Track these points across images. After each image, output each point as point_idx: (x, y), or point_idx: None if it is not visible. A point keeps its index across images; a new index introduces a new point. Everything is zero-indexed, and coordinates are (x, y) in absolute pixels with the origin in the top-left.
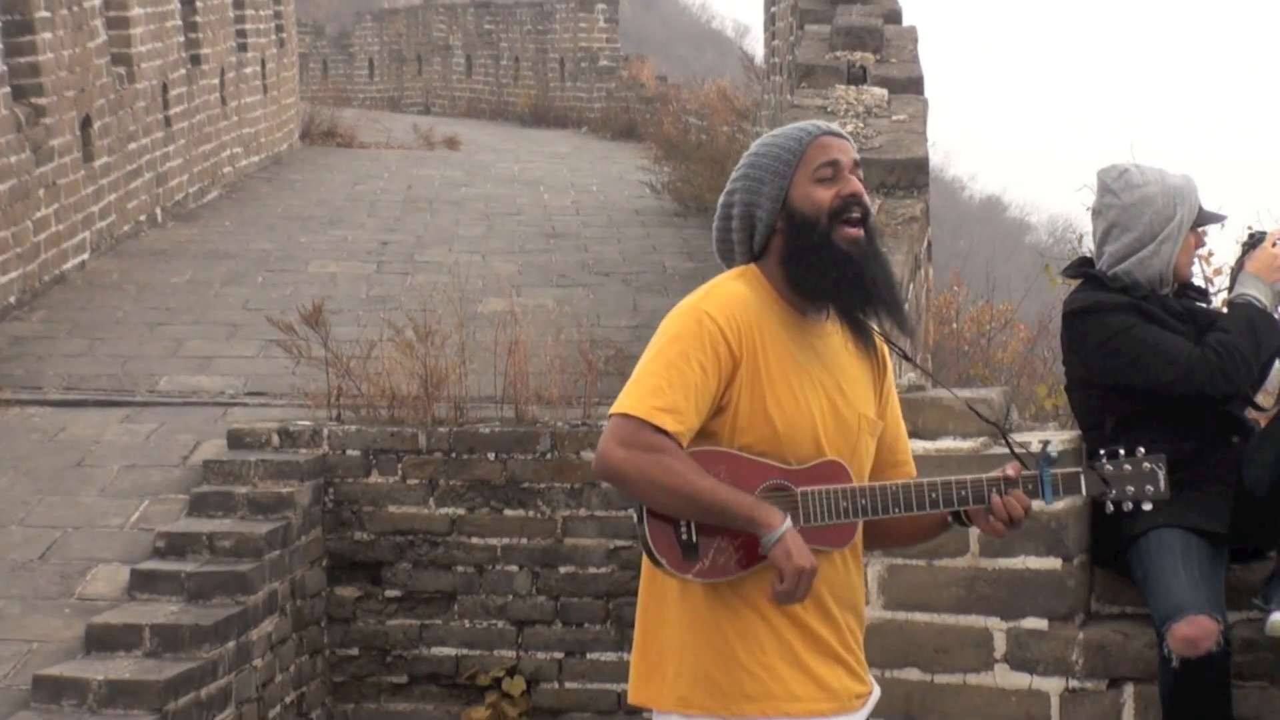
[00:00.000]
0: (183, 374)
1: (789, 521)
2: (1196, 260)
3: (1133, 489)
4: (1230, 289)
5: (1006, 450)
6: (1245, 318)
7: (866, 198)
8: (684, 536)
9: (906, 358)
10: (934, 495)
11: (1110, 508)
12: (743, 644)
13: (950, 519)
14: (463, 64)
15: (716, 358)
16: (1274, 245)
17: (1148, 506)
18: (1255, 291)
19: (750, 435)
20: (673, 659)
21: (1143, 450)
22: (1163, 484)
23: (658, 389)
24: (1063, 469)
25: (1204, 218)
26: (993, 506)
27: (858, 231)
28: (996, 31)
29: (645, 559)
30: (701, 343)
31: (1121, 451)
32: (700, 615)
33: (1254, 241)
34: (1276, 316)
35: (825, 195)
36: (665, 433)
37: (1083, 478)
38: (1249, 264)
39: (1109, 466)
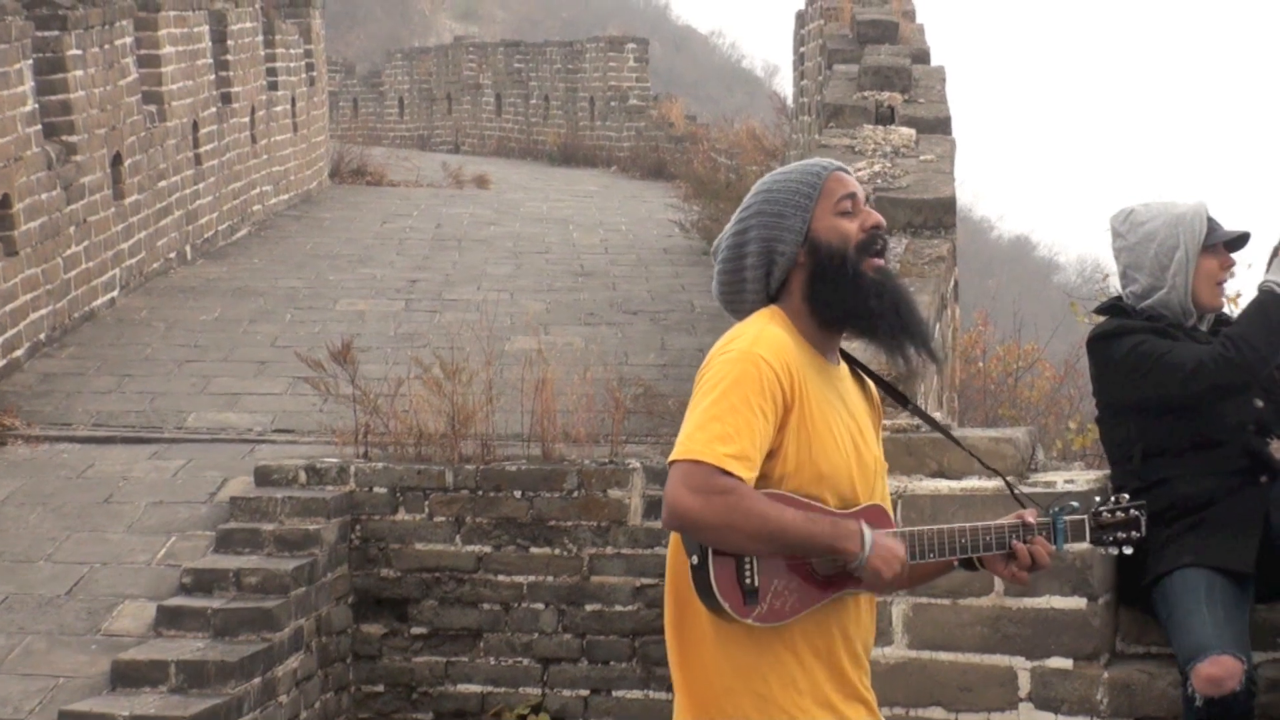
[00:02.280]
0: (211, 411)
1: (866, 530)
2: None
3: (1123, 534)
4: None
5: (1031, 490)
6: (1260, 306)
7: (885, 229)
8: (747, 580)
9: (908, 404)
10: (963, 540)
11: (1104, 551)
12: (781, 688)
13: (957, 562)
14: (492, 103)
15: (774, 403)
16: None
17: (1128, 550)
18: None
19: (798, 479)
20: (710, 703)
21: (1127, 497)
22: (1142, 527)
23: (725, 435)
24: (1071, 517)
25: (1216, 238)
26: (1017, 552)
27: (882, 262)
28: (1027, 71)
29: (674, 603)
30: (761, 388)
31: (1114, 499)
32: (739, 660)
33: None
34: None
35: (850, 227)
36: (735, 477)
37: (1086, 524)
38: None
39: (1105, 514)
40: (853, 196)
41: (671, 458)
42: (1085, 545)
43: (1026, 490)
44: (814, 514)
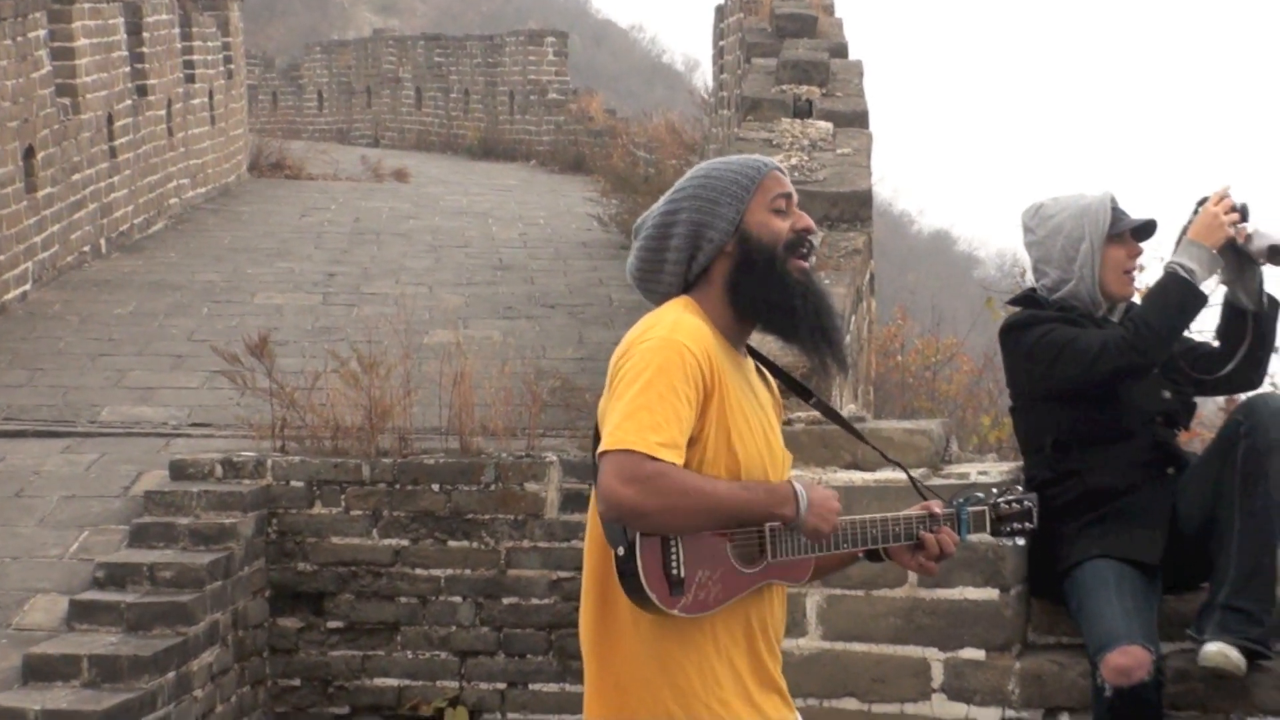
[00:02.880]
0: (125, 405)
1: (800, 489)
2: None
3: (1018, 525)
4: None
5: (945, 482)
6: (1161, 287)
7: (816, 232)
8: (673, 571)
9: (811, 399)
10: (873, 531)
11: (1000, 542)
12: (701, 680)
13: (862, 554)
14: (412, 96)
15: (696, 390)
16: (1215, 206)
17: (1021, 541)
18: (1187, 259)
19: (715, 468)
20: (630, 696)
21: (1020, 488)
22: (1034, 519)
23: (655, 424)
24: (977, 504)
25: (1121, 227)
26: (925, 542)
27: (807, 265)
28: (950, 66)
29: (592, 595)
30: (685, 375)
31: (1008, 489)
32: (658, 652)
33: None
34: (1215, 277)
35: (782, 226)
36: (667, 464)
37: (987, 515)
38: (1190, 230)
39: (1004, 505)
40: (788, 197)
41: (602, 448)
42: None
43: (940, 482)
44: (747, 483)
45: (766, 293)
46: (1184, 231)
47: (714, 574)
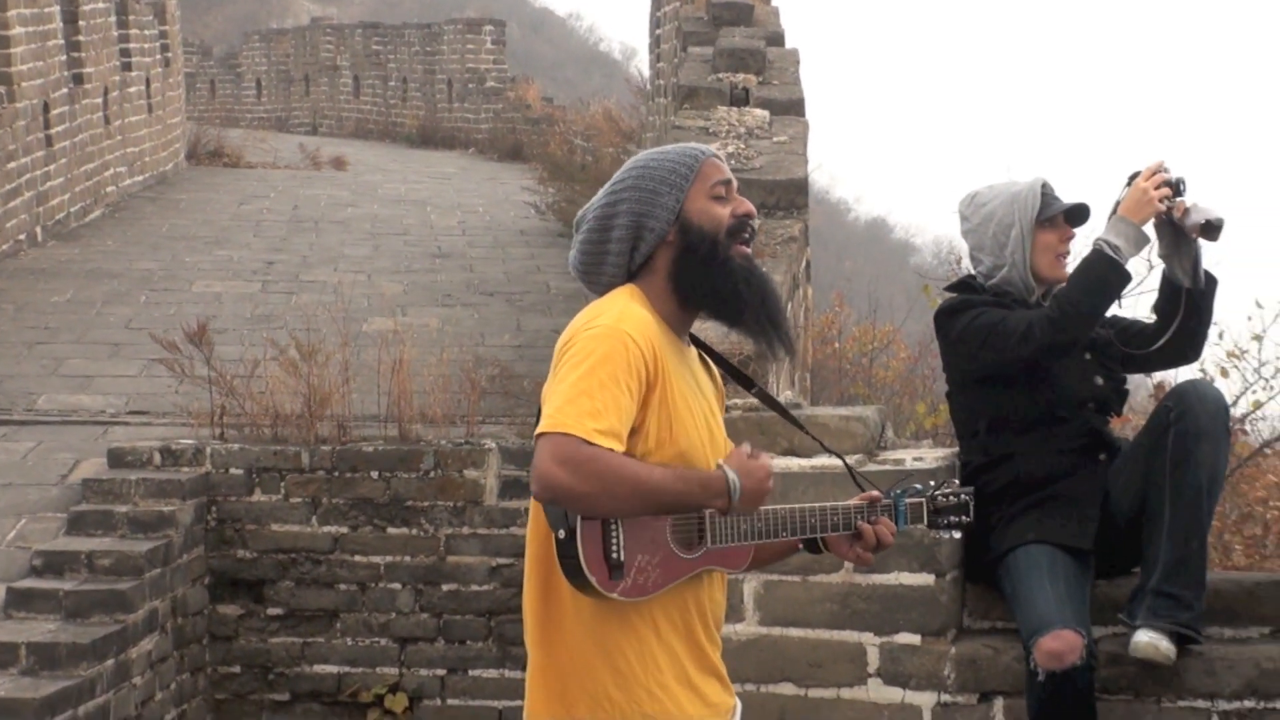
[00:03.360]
0: (62, 393)
1: (730, 475)
2: None
3: (954, 518)
4: None
5: (880, 468)
6: (1086, 264)
7: (756, 217)
8: (613, 555)
9: (753, 387)
10: (812, 521)
11: (936, 534)
12: (641, 664)
13: (801, 544)
14: (350, 84)
15: (639, 380)
16: (1145, 181)
17: (957, 534)
18: (1114, 236)
19: (658, 456)
20: (571, 679)
21: (957, 482)
22: (970, 512)
23: (594, 411)
24: (915, 495)
25: (1051, 212)
26: (863, 532)
27: (749, 250)
28: (887, 55)
29: (535, 581)
30: (627, 365)
31: (940, 482)
32: (599, 637)
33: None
34: (1139, 253)
35: (723, 212)
36: (605, 450)
37: (924, 506)
38: (1120, 206)
39: (940, 497)
40: (727, 183)
41: (539, 430)
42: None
43: (876, 468)
44: (684, 472)
45: (711, 280)
46: (1115, 207)
47: (653, 559)
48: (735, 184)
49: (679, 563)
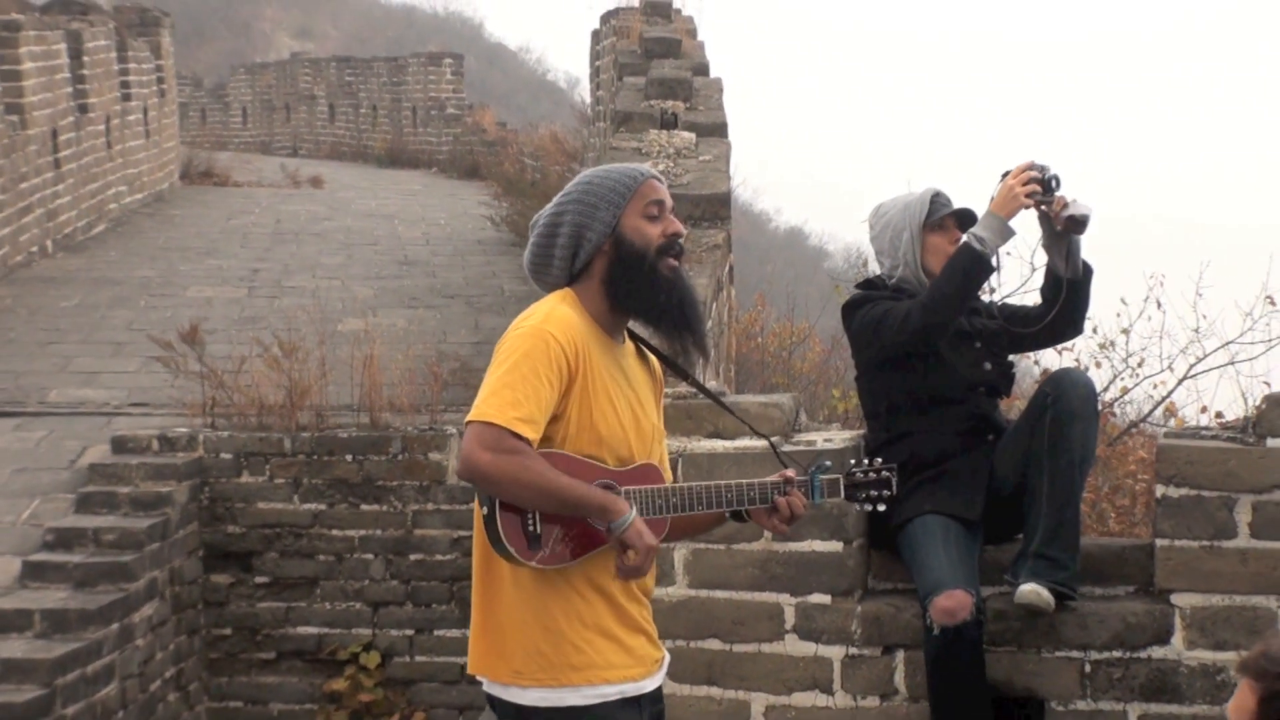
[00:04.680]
0: (71, 387)
1: (634, 509)
2: None
3: (875, 492)
4: None
5: (795, 448)
6: (955, 256)
7: (685, 235)
8: (530, 528)
9: (688, 378)
10: (729, 495)
11: (858, 507)
12: (568, 622)
13: (728, 515)
14: (326, 112)
15: (559, 373)
16: (1014, 179)
17: (882, 507)
18: (982, 229)
19: (578, 441)
20: (508, 636)
21: (880, 460)
22: (893, 487)
23: (516, 401)
24: (830, 473)
25: (938, 216)
26: (777, 505)
27: (676, 263)
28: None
29: (479, 550)
30: (548, 360)
31: (866, 461)
32: (531, 598)
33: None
34: (1005, 244)
35: (654, 231)
36: (522, 438)
37: (841, 482)
38: (991, 202)
39: (858, 474)
40: (660, 204)
41: (468, 419)
42: (840, 499)
43: (790, 448)
44: (591, 489)
45: (637, 289)
46: (990, 203)
47: (570, 531)
48: (669, 204)
49: (595, 535)
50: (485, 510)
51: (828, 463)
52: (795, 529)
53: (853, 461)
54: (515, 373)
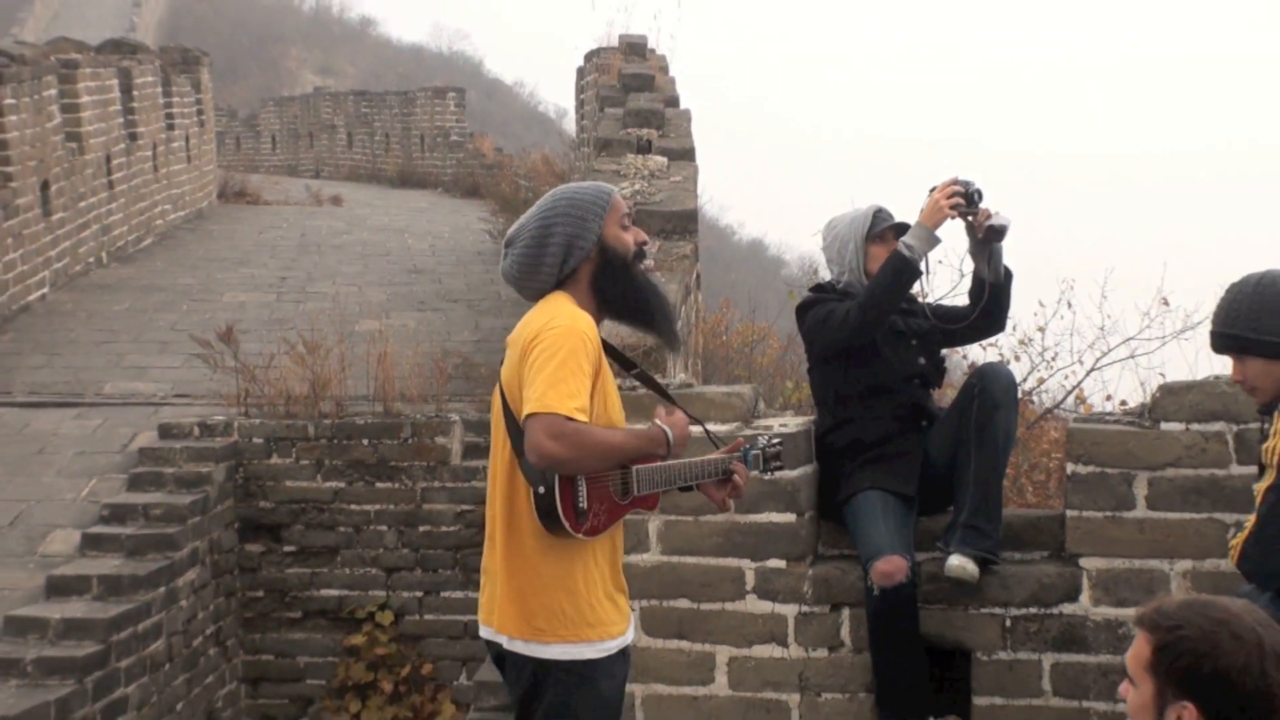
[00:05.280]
0: (123, 381)
1: (666, 429)
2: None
3: (776, 464)
4: None
5: (752, 431)
6: (887, 262)
7: (648, 241)
8: (580, 505)
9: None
10: (707, 469)
11: (768, 476)
12: (585, 585)
13: (678, 489)
14: (345, 139)
15: (593, 367)
16: (939, 194)
17: (780, 472)
18: (911, 238)
19: (600, 424)
20: (529, 599)
21: (776, 439)
22: (779, 456)
23: (571, 393)
24: (771, 445)
25: (879, 228)
26: (739, 472)
27: (649, 267)
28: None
29: (502, 523)
30: (587, 356)
31: (764, 438)
32: (557, 566)
33: None
34: (931, 250)
35: (629, 238)
36: (577, 421)
37: (761, 456)
38: (920, 214)
39: (768, 448)
40: (629, 215)
41: (531, 410)
42: (794, 473)
43: (750, 432)
44: (633, 430)
45: (626, 291)
46: (920, 215)
47: (603, 506)
48: (634, 216)
49: (618, 507)
50: (542, 490)
51: (761, 440)
52: (754, 501)
53: (761, 439)
54: (564, 368)
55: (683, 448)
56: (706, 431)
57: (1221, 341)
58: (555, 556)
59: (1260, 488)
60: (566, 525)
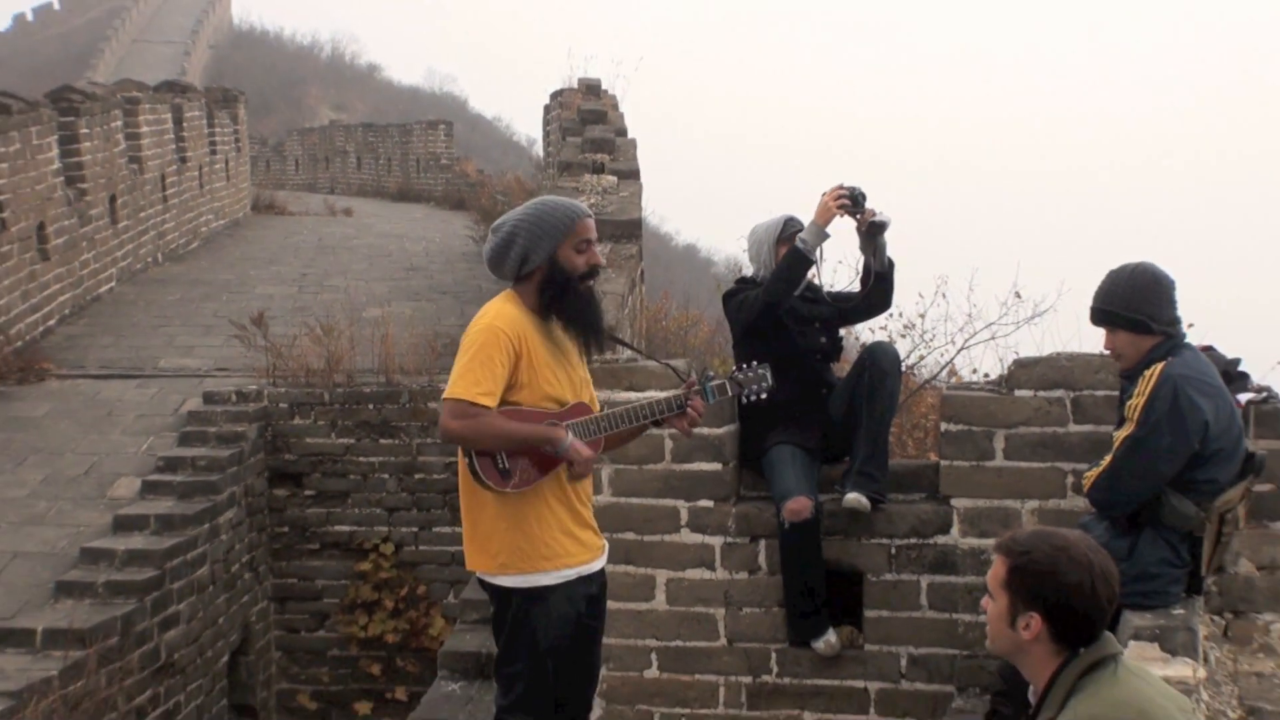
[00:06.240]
0: (175, 357)
1: (570, 434)
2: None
3: (756, 386)
4: None
5: (682, 376)
6: (785, 255)
7: (602, 263)
8: (500, 465)
9: (623, 343)
10: (644, 411)
11: (745, 399)
12: (539, 526)
13: (653, 425)
14: (355, 162)
15: (507, 355)
16: (827, 196)
17: (764, 395)
18: (806, 235)
19: (534, 395)
20: (494, 539)
21: (756, 362)
22: (769, 379)
23: (476, 380)
24: (716, 380)
25: (786, 234)
26: (694, 406)
27: (591, 284)
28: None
29: (464, 483)
30: (499, 346)
31: (745, 365)
32: (512, 511)
33: None
34: (823, 243)
35: (580, 261)
36: (481, 406)
37: (726, 383)
38: (815, 214)
39: (738, 375)
40: (589, 241)
41: (444, 395)
42: (720, 430)
43: (682, 376)
44: (535, 426)
45: (565, 303)
46: (814, 215)
47: (531, 461)
48: (594, 240)
49: (549, 460)
50: (467, 460)
51: (711, 373)
52: (687, 453)
53: (733, 369)
54: (474, 360)
55: (572, 458)
56: (671, 366)
57: (1099, 316)
58: (506, 506)
59: (1119, 435)
60: (491, 485)
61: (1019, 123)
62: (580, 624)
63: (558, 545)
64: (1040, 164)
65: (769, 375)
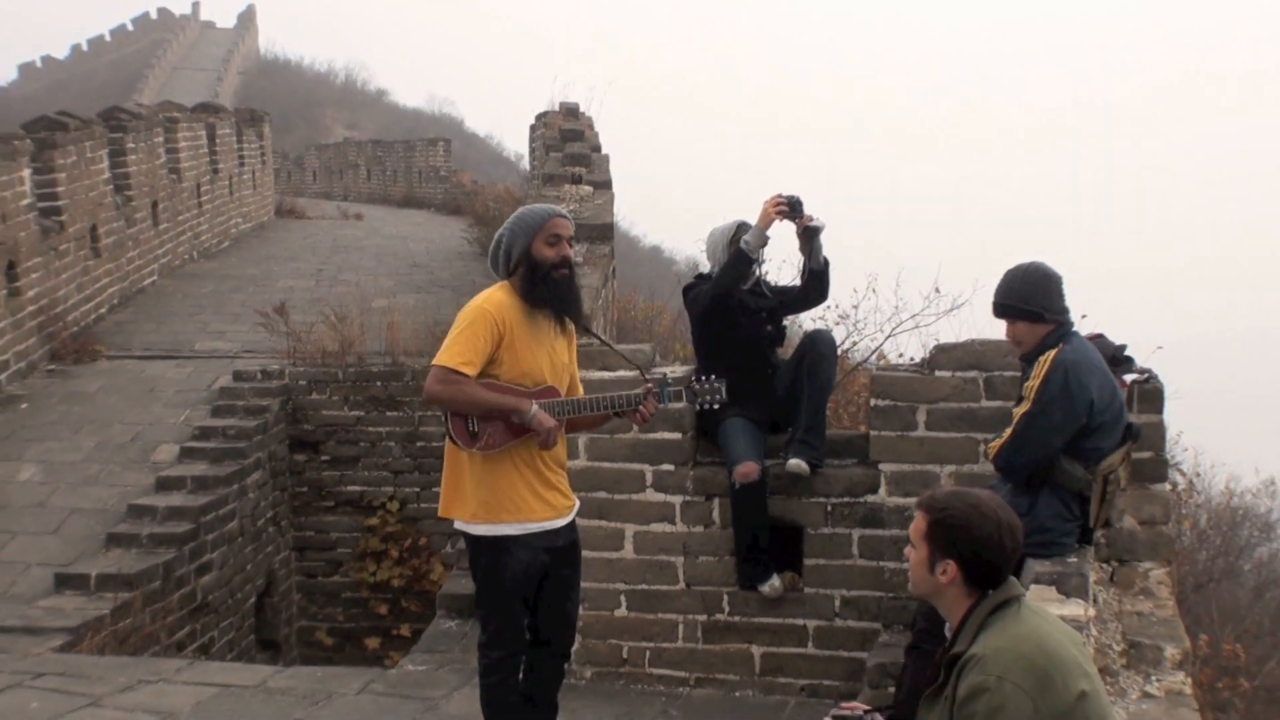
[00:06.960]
0: (208, 341)
1: (535, 404)
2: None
3: (710, 397)
4: None
5: (652, 377)
6: (732, 255)
7: (572, 256)
8: (471, 428)
9: (596, 336)
10: (606, 403)
11: (699, 407)
12: (507, 485)
13: (613, 415)
14: (365, 173)
15: (491, 333)
16: (767, 202)
17: (717, 406)
18: (749, 237)
19: (512, 372)
20: (467, 493)
21: (714, 376)
22: (724, 393)
23: (460, 351)
24: (673, 387)
25: (736, 237)
26: (646, 408)
27: (564, 274)
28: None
29: (448, 441)
30: (486, 324)
31: (703, 376)
32: (484, 470)
33: None
34: (765, 245)
35: (550, 253)
36: (462, 374)
37: (684, 391)
38: (757, 218)
39: (696, 385)
40: (559, 236)
41: (432, 362)
42: (679, 405)
43: (648, 378)
44: (506, 395)
45: (540, 290)
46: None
47: (499, 427)
48: (567, 236)
49: (515, 428)
50: (443, 418)
51: (670, 381)
52: (653, 425)
53: (692, 377)
54: (462, 335)
55: (536, 426)
56: (640, 369)
57: (1000, 309)
58: (478, 466)
59: (1018, 411)
60: (460, 444)
61: (942, 139)
62: (552, 575)
63: (522, 502)
64: (960, 182)
65: (724, 390)
